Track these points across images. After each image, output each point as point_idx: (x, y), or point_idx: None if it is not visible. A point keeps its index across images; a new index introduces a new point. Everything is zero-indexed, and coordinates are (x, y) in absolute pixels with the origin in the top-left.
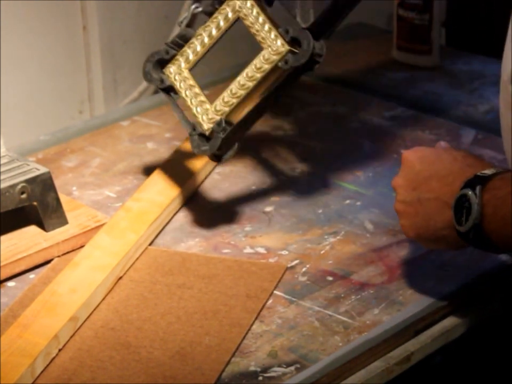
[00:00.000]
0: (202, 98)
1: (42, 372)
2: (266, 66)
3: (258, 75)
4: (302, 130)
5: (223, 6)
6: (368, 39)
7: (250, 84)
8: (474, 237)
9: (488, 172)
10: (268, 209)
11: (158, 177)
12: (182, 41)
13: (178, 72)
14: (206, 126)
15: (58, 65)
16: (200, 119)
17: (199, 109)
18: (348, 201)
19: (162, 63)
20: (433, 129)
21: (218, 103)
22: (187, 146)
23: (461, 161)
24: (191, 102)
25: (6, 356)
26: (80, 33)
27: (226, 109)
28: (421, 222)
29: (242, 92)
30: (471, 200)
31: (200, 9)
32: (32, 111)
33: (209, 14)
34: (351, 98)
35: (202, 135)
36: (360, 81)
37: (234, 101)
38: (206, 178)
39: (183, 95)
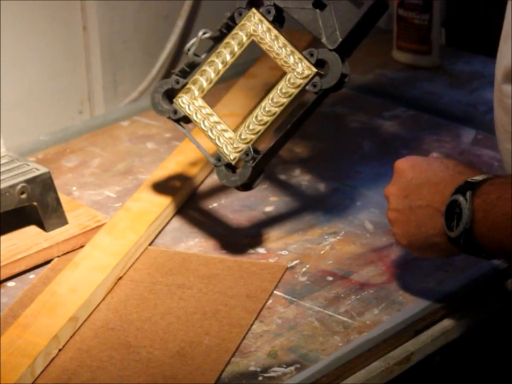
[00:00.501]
0: (223, 126)
1: (42, 371)
2: (293, 91)
3: (285, 100)
4: (302, 130)
5: (235, 31)
6: (368, 39)
7: (277, 110)
8: (465, 242)
9: (478, 178)
10: (268, 209)
11: (158, 177)
12: (190, 69)
13: (191, 102)
14: (233, 156)
15: (58, 65)
16: (224, 150)
17: (221, 139)
18: (347, 201)
19: (171, 93)
20: (433, 129)
21: (243, 131)
22: (187, 146)
23: (452, 169)
24: (211, 133)
25: (6, 355)
26: (80, 33)
27: (253, 137)
28: (413, 230)
29: (268, 119)
30: (461, 206)
31: (208, 35)
32: (32, 111)
33: (217, 39)
34: (351, 98)
35: (228, 165)
36: (360, 81)
37: (261, 128)
38: (206, 178)
39: (202, 126)
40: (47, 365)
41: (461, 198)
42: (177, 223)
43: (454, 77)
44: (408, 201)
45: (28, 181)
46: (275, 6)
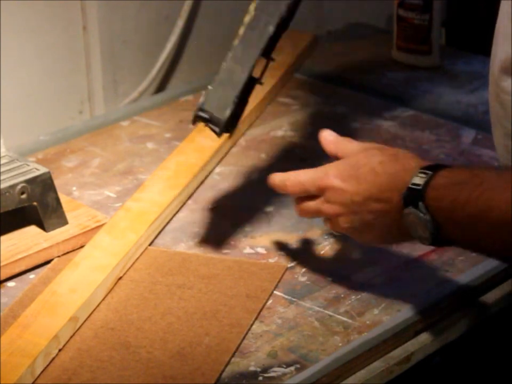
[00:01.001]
0: None
1: (42, 371)
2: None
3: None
4: (302, 130)
5: None
6: (368, 39)
7: None
8: (441, 244)
9: (418, 180)
10: (268, 209)
11: (158, 177)
12: None
13: None
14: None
15: (58, 65)
16: None
17: None
18: None
19: None
20: (433, 129)
21: None
22: (187, 146)
23: (383, 173)
24: None
25: (6, 355)
26: (80, 33)
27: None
28: (379, 235)
29: None
30: (420, 218)
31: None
32: (32, 111)
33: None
34: (351, 98)
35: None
36: (360, 81)
37: None
38: (206, 178)
39: None
40: (47, 365)
41: (415, 211)
42: (177, 223)
43: (454, 77)
44: (361, 216)
45: (28, 181)
46: None
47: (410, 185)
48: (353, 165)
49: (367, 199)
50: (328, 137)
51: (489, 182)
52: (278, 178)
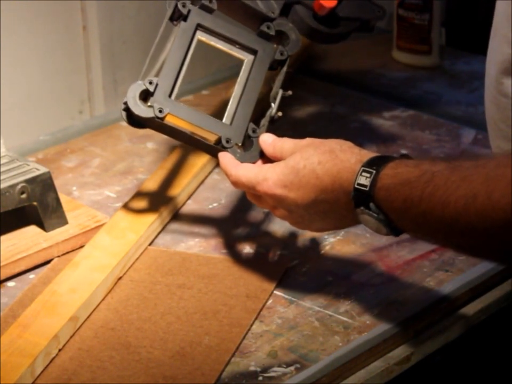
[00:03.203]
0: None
1: (42, 371)
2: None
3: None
4: (302, 130)
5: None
6: (368, 39)
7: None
8: (399, 234)
9: (363, 180)
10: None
11: (158, 177)
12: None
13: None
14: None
15: (58, 65)
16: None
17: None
18: None
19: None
20: (433, 129)
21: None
22: (187, 146)
23: (324, 174)
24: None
25: (6, 356)
26: (80, 33)
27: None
28: (332, 223)
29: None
30: (374, 218)
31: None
32: (32, 111)
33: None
34: (351, 98)
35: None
36: (360, 81)
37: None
38: (206, 178)
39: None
40: (47, 365)
41: (368, 212)
42: (177, 223)
43: (454, 77)
44: (309, 216)
45: (28, 181)
46: None
47: (356, 186)
48: (292, 168)
49: (313, 202)
50: (266, 140)
51: (441, 177)
52: (227, 171)
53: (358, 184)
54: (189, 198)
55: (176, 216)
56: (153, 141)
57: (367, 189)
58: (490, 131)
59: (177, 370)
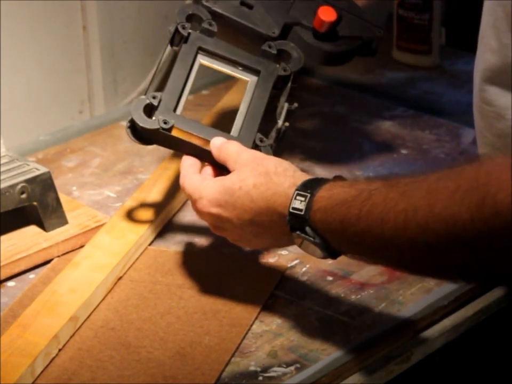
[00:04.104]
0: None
1: (42, 371)
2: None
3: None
4: (302, 130)
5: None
6: None
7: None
8: (336, 256)
9: (297, 204)
10: None
11: (157, 177)
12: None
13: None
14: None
15: (58, 65)
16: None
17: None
18: None
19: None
20: (433, 129)
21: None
22: None
23: (259, 198)
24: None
25: (6, 355)
26: (80, 33)
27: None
28: (269, 242)
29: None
30: (310, 241)
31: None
32: (32, 111)
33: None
34: (351, 98)
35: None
36: (360, 81)
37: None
38: None
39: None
40: (47, 365)
41: (304, 236)
42: (177, 223)
43: (454, 77)
44: (246, 235)
45: (28, 181)
46: (212, 13)
47: (290, 210)
48: (228, 189)
49: (249, 222)
50: (215, 143)
51: (378, 195)
52: (180, 177)
53: (293, 208)
54: None
55: (176, 216)
56: None
57: (302, 213)
58: (477, 139)
59: (177, 370)
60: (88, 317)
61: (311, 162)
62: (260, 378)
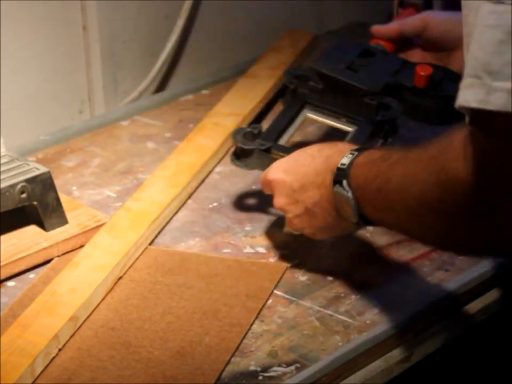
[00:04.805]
0: None
1: (42, 371)
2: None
3: None
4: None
5: None
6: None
7: None
8: (366, 222)
9: (345, 160)
10: (268, 209)
11: (158, 177)
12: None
13: None
14: None
15: (58, 65)
16: None
17: None
18: None
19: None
20: (433, 129)
21: None
22: (187, 145)
23: (319, 156)
24: None
25: (6, 356)
26: (80, 33)
27: None
28: (320, 224)
29: None
30: (344, 196)
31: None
32: (32, 111)
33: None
34: None
35: None
36: None
37: None
38: (206, 178)
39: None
40: (47, 365)
41: (341, 189)
42: (177, 223)
43: None
44: (302, 205)
45: (28, 181)
46: (319, 74)
47: (339, 166)
48: (294, 155)
49: (304, 185)
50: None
51: (395, 157)
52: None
53: (341, 164)
54: (189, 198)
55: (176, 216)
56: (153, 141)
57: (345, 167)
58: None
59: (177, 370)
60: (88, 317)
61: None
62: (260, 378)
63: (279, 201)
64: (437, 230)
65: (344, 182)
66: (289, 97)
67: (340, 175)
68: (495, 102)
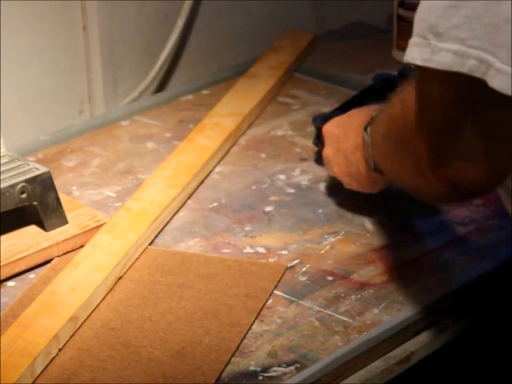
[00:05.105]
0: None
1: (42, 371)
2: None
3: None
4: (302, 130)
5: None
6: (368, 39)
7: None
8: (378, 169)
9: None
10: (268, 209)
11: (158, 177)
12: None
13: None
14: None
15: (58, 65)
16: None
17: None
18: (348, 201)
19: None
20: None
21: None
22: (187, 145)
23: (366, 111)
24: None
25: (6, 355)
26: (80, 33)
27: None
28: (354, 173)
29: None
30: (366, 140)
31: None
32: (32, 111)
33: None
34: None
35: None
36: (360, 81)
37: None
38: (206, 178)
39: None
40: (47, 365)
41: (365, 134)
42: (177, 223)
43: None
44: (342, 154)
45: (28, 181)
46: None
47: (373, 115)
48: (350, 113)
49: (347, 134)
50: None
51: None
52: None
53: (376, 115)
54: (189, 198)
55: (176, 216)
56: (153, 141)
57: (374, 115)
58: None
59: (177, 370)
60: (88, 317)
61: (311, 162)
62: (260, 378)
63: (326, 150)
64: (405, 162)
65: (368, 128)
66: (374, 96)
67: (369, 122)
68: (440, 61)
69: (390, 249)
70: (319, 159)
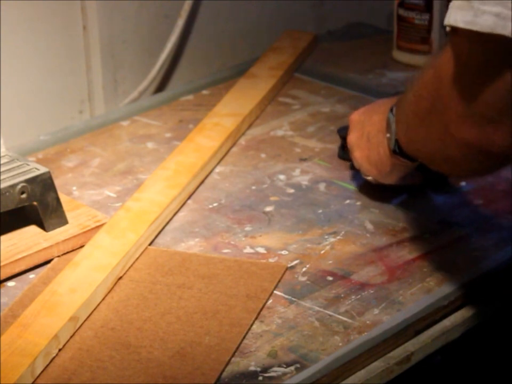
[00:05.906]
0: None
1: (42, 371)
2: None
3: None
4: (302, 130)
5: None
6: (368, 39)
7: None
8: (400, 152)
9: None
10: (268, 209)
11: (158, 177)
12: None
13: None
14: None
15: (58, 65)
16: None
17: None
18: (347, 201)
19: None
20: None
21: None
22: (187, 146)
23: (393, 98)
24: None
25: (6, 355)
26: (80, 33)
27: None
28: (374, 158)
29: None
30: (390, 120)
31: None
32: (32, 111)
33: None
34: (351, 98)
35: None
36: (360, 81)
37: None
38: (206, 178)
39: None
40: (47, 365)
41: (390, 115)
42: (177, 223)
43: None
44: (365, 137)
45: (28, 181)
46: None
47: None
48: (377, 101)
49: (371, 115)
50: None
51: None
52: None
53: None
54: (189, 198)
55: (176, 216)
56: (153, 141)
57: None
58: None
59: (177, 370)
60: (88, 317)
61: (311, 162)
62: (260, 378)
63: (351, 137)
64: (433, 129)
65: (394, 108)
66: None
67: (395, 104)
68: (482, 24)
69: (390, 249)
70: (352, 167)
